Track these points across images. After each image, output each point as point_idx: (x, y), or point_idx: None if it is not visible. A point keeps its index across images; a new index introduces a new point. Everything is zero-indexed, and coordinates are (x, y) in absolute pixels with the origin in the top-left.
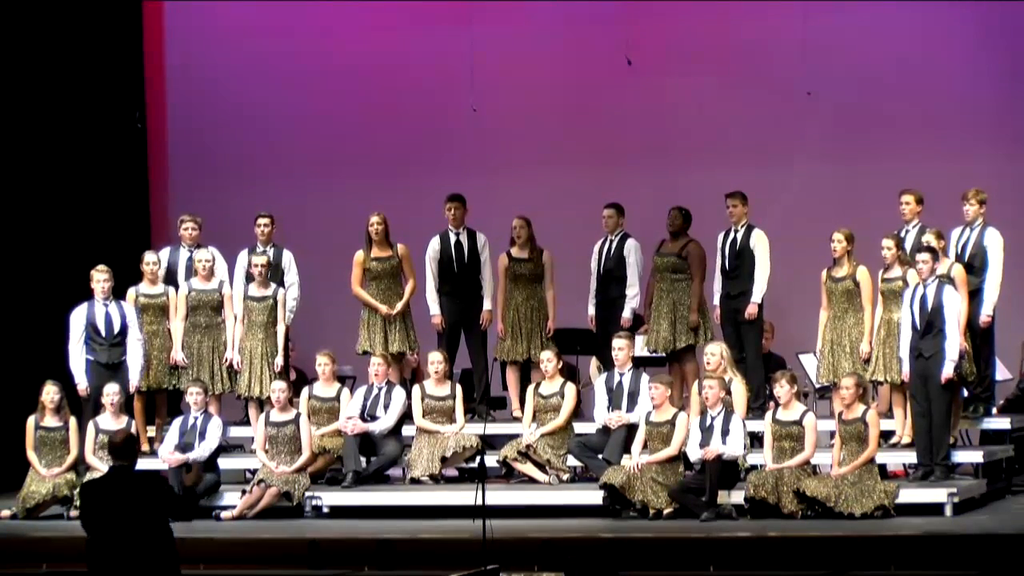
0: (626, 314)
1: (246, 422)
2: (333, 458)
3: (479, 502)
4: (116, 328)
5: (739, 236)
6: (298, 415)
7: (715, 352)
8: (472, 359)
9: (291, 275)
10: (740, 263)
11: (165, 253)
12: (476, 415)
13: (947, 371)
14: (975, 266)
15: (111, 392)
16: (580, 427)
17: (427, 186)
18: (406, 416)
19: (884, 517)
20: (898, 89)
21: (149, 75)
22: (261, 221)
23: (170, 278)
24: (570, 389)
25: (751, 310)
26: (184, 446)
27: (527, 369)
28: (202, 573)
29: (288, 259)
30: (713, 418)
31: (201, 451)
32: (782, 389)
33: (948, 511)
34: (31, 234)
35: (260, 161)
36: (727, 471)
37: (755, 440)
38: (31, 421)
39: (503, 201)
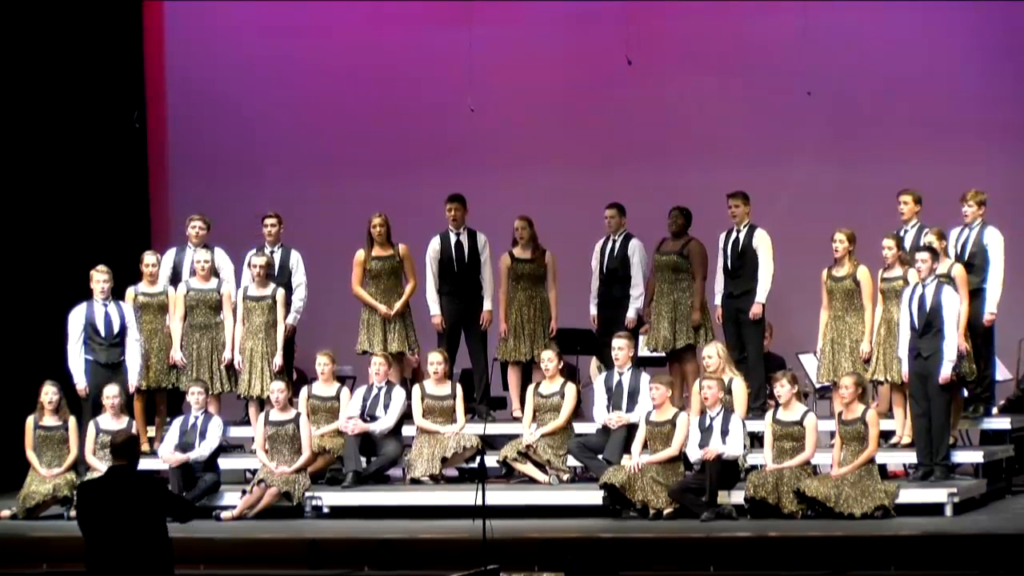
0: (630, 314)
1: (246, 422)
2: (333, 458)
3: (479, 502)
4: (115, 328)
5: (741, 236)
6: (298, 415)
7: (712, 354)
8: (472, 359)
9: (299, 275)
10: (743, 263)
11: (171, 253)
12: (476, 415)
13: (945, 371)
14: (975, 265)
15: (111, 394)
16: (580, 427)
17: (427, 186)
18: (406, 416)
19: (884, 517)
20: (898, 89)
21: (149, 75)
22: (268, 221)
23: (176, 278)
24: (570, 389)
25: (755, 309)
26: (184, 446)
27: (528, 369)
28: (202, 573)
29: (296, 259)
30: (712, 418)
31: (201, 451)
32: (783, 389)
33: (948, 511)
34: (31, 234)
35: (260, 161)
36: (727, 471)
37: (755, 440)
38: (30, 421)
39: (503, 201)
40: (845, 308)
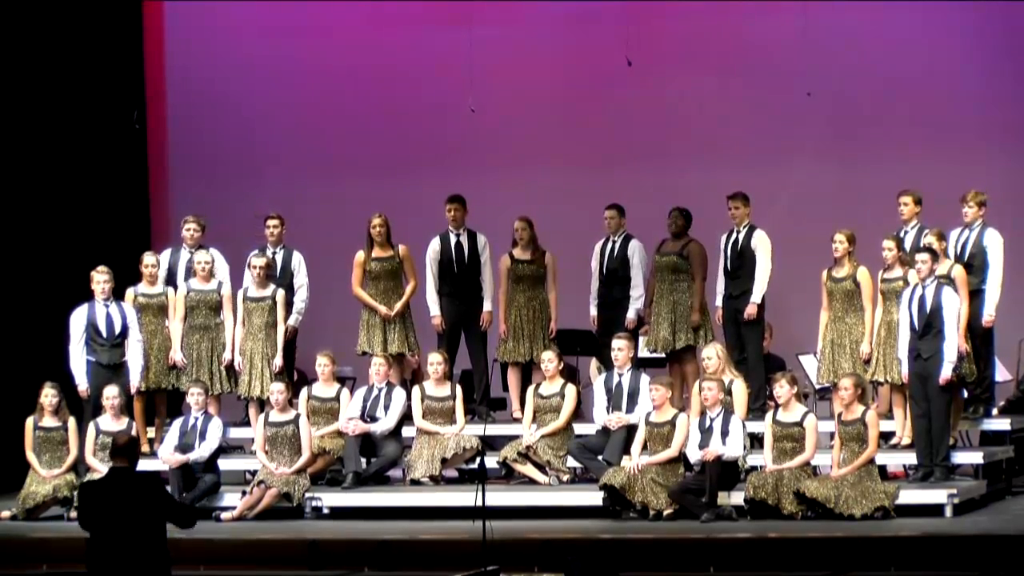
0: (630, 315)
1: (246, 423)
2: (333, 459)
3: (479, 503)
4: (117, 329)
5: (741, 237)
6: (298, 416)
7: (712, 355)
8: (472, 360)
9: (300, 276)
10: (742, 263)
11: (166, 255)
12: (476, 416)
13: (945, 372)
14: (974, 266)
15: (111, 395)
16: (580, 428)
17: (427, 186)
18: (406, 417)
19: (884, 518)
20: (898, 89)
21: (149, 75)
22: (271, 222)
23: (171, 279)
24: (570, 390)
25: (750, 310)
26: (184, 447)
27: (528, 370)
28: (202, 574)
29: (298, 260)
30: (712, 419)
31: (201, 452)
32: (782, 390)
33: (948, 512)
34: (31, 235)
35: (260, 161)
36: (727, 472)
37: (756, 441)
38: (30, 422)
39: (503, 201)
40: (845, 309)
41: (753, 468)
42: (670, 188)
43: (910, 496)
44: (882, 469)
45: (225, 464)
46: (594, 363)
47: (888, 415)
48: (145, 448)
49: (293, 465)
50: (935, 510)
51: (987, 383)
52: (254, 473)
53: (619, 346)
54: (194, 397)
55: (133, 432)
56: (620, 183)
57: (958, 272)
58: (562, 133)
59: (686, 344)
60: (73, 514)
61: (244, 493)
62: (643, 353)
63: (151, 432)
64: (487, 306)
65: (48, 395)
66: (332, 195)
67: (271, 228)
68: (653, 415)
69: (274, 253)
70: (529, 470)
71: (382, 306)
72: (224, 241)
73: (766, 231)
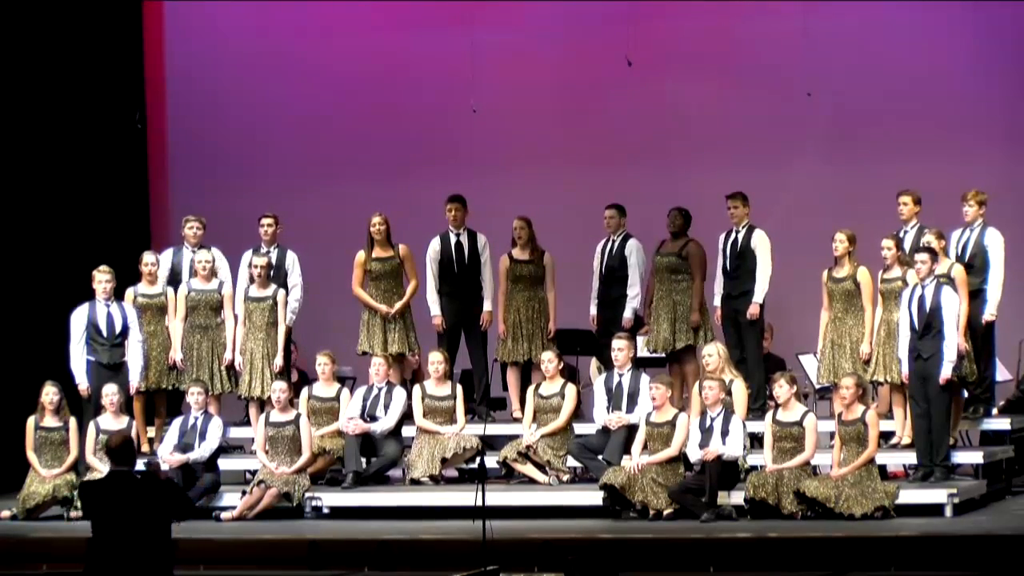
0: (627, 314)
1: (246, 423)
2: (333, 459)
3: (479, 503)
4: (117, 328)
5: (740, 237)
6: (298, 416)
7: (712, 353)
8: (472, 360)
9: (294, 276)
10: (741, 263)
11: (169, 254)
12: (476, 416)
13: (945, 372)
14: (975, 266)
15: (110, 393)
16: (580, 428)
17: (427, 186)
18: (406, 417)
19: (884, 518)
20: (898, 89)
21: (149, 75)
22: (265, 221)
23: (174, 279)
24: (570, 390)
25: (752, 310)
26: (184, 446)
27: (527, 370)
28: (202, 574)
29: (292, 260)
30: (713, 419)
31: (201, 451)
32: (781, 390)
33: (948, 512)
34: (32, 235)
35: (260, 161)
36: (727, 472)
37: (755, 441)
38: (31, 421)
39: (503, 201)
40: (845, 309)
41: (753, 468)
42: (670, 188)
43: (910, 496)
44: (882, 469)
45: (225, 464)
46: (594, 363)
47: (888, 415)
48: (145, 448)
49: (293, 465)
50: (935, 510)
51: (987, 383)
52: (254, 473)
53: (619, 346)
54: (194, 397)
55: (132, 432)
56: (620, 183)
57: (958, 272)
58: (562, 133)
59: (686, 344)
60: (73, 514)
61: (244, 493)
62: (643, 353)
63: (151, 432)
64: (487, 306)
65: (49, 394)
66: (332, 195)
67: (265, 227)
68: (653, 415)
69: (267, 252)
70: (529, 470)
71: (382, 305)
72: (224, 241)
73: (766, 231)
